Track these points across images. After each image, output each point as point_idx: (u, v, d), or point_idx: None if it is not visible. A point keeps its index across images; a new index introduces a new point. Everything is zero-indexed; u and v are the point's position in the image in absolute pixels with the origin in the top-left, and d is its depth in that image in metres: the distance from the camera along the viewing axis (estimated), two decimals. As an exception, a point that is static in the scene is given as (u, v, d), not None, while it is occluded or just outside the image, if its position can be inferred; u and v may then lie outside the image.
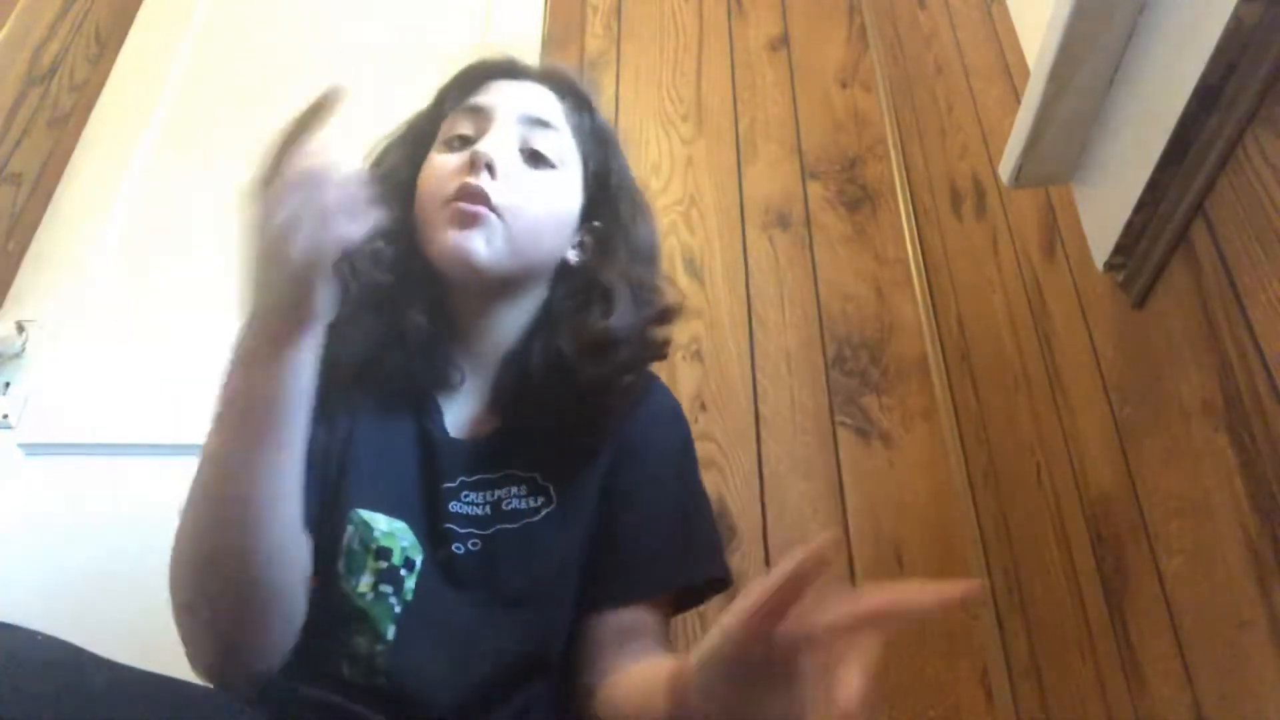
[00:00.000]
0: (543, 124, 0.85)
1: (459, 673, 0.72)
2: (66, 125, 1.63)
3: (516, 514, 0.79)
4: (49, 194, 1.58)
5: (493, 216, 0.78)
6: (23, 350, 1.41)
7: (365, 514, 0.75)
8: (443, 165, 0.82)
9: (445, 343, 0.82)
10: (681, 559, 0.81)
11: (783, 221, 1.47)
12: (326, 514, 0.74)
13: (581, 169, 0.88)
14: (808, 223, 1.46)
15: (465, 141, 0.83)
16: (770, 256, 1.43)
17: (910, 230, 1.43)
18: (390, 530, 0.74)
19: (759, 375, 1.32)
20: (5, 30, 1.54)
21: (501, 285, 0.81)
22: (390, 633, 0.71)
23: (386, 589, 0.73)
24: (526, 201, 0.80)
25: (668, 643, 0.80)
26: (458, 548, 0.76)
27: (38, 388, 1.37)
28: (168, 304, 1.43)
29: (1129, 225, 0.73)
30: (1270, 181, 0.58)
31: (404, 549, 0.74)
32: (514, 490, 0.80)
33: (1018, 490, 1.06)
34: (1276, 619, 0.57)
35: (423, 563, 0.75)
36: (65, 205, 1.58)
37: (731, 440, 1.26)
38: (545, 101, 0.88)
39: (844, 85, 1.61)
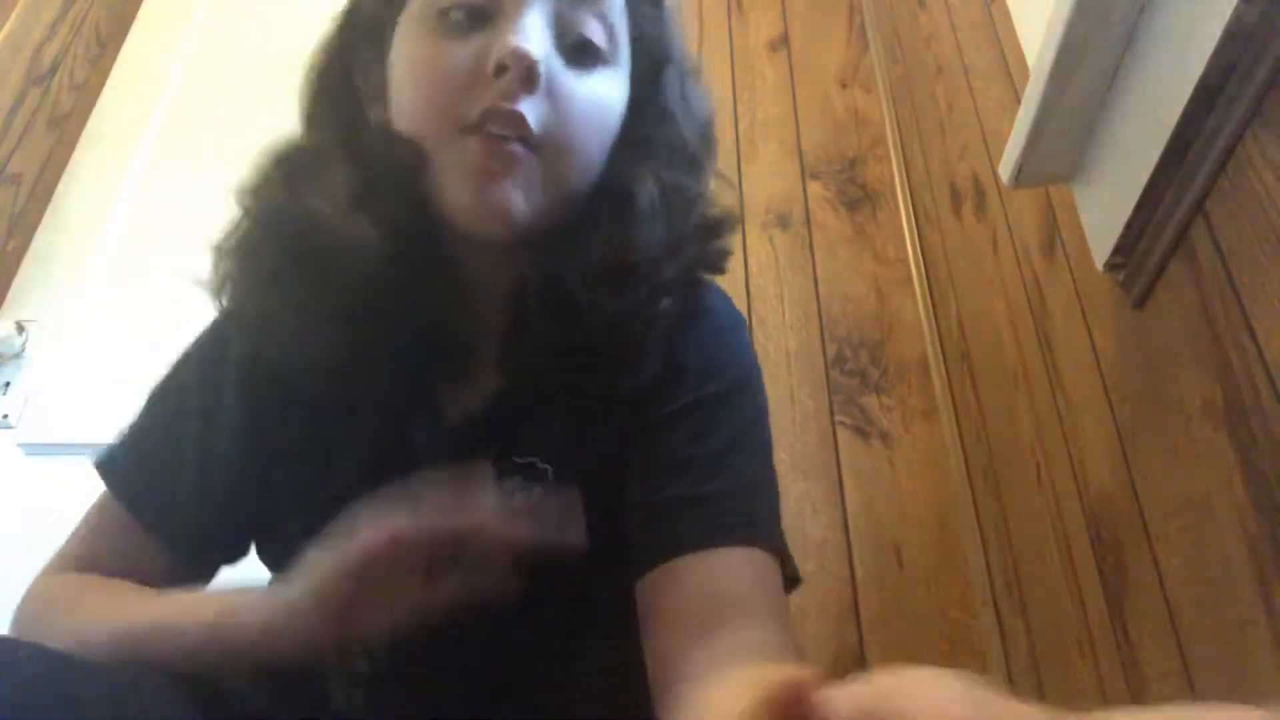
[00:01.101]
0: None
1: (457, 685, 0.64)
2: (66, 125, 1.63)
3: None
4: (49, 194, 1.58)
5: (535, 157, 0.55)
6: (23, 350, 1.41)
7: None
8: (443, 57, 0.55)
9: (439, 313, 0.62)
10: (757, 507, 0.60)
11: (783, 221, 1.47)
12: (285, 561, 0.64)
13: (631, 49, 0.63)
14: (808, 223, 1.46)
15: (477, 18, 0.56)
16: (770, 256, 1.43)
17: (910, 230, 1.43)
18: None
19: (759, 375, 1.32)
20: (5, 30, 1.54)
21: (527, 231, 0.58)
22: (365, 669, 0.63)
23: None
24: (575, 122, 0.57)
25: (784, 633, 0.54)
26: None
27: (38, 388, 1.37)
28: (168, 304, 1.43)
29: (1129, 225, 0.73)
30: (1270, 181, 0.58)
31: None
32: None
33: (1018, 490, 1.06)
34: (1276, 619, 0.57)
35: None
36: (65, 205, 1.58)
37: (731, 440, 1.26)
38: None
39: (844, 85, 1.61)
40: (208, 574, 0.66)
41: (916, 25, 1.48)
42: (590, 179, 0.60)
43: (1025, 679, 1.03)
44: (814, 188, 1.50)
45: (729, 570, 0.55)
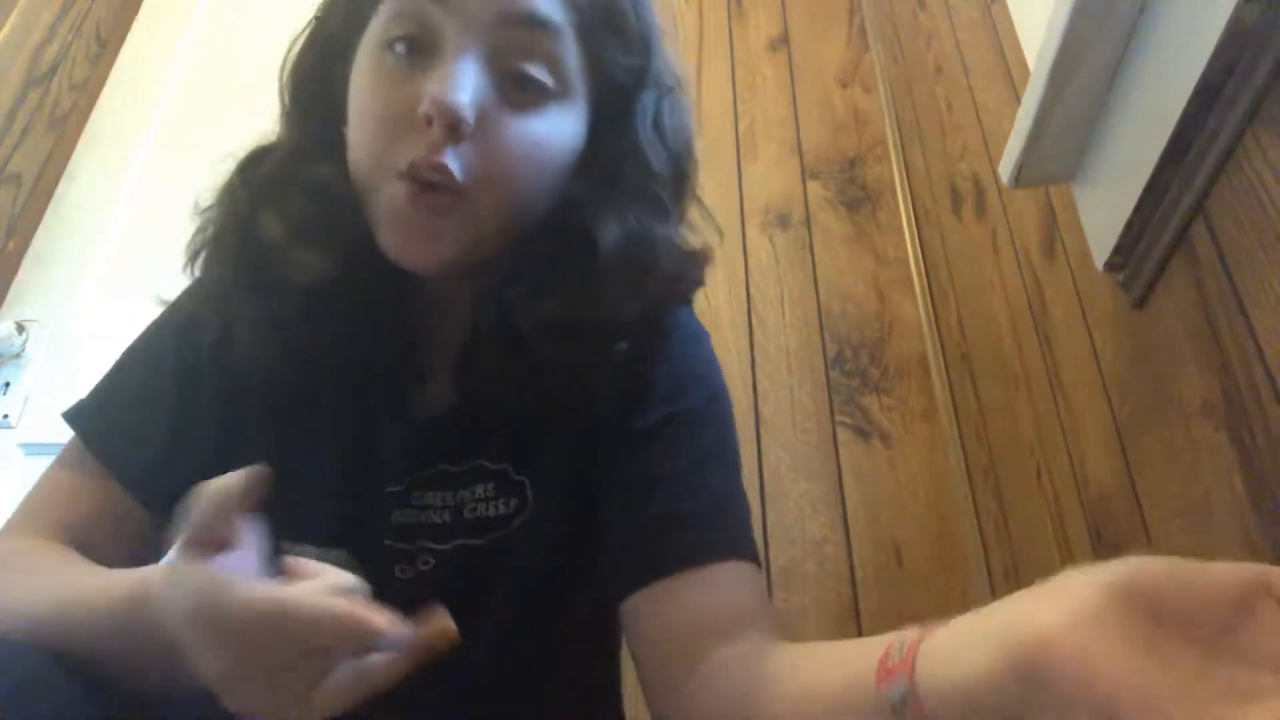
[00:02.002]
0: (534, 23, 0.55)
1: (437, 700, 0.59)
2: (66, 125, 1.63)
3: (483, 524, 0.61)
4: (49, 194, 1.58)
5: (463, 202, 0.54)
6: (23, 350, 1.41)
7: (293, 548, 0.61)
8: (382, 101, 0.55)
9: (387, 315, 0.61)
10: (736, 521, 0.60)
11: (783, 221, 1.47)
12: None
13: (587, 79, 0.59)
14: (808, 223, 1.46)
15: (412, 49, 0.55)
16: (770, 256, 1.43)
17: (910, 230, 1.43)
18: (320, 568, 0.60)
19: (759, 375, 1.32)
20: (5, 30, 1.54)
21: (465, 264, 0.58)
22: None
23: None
24: (508, 165, 0.55)
25: (780, 640, 0.53)
26: (402, 570, 0.60)
27: (38, 388, 1.37)
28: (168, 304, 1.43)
29: (1129, 225, 0.73)
30: (1270, 181, 0.58)
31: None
32: (480, 490, 0.61)
33: (1018, 490, 1.06)
34: (1276, 619, 0.57)
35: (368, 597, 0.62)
36: (65, 205, 1.58)
37: (731, 440, 1.26)
38: None
39: (844, 85, 1.61)
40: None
41: (916, 25, 1.48)
42: (534, 213, 0.59)
43: (1025, 679, 1.03)
44: (814, 188, 1.50)
45: (720, 586, 0.55)
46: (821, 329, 1.36)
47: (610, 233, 0.58)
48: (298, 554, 0.60)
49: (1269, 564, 0.58)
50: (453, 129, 0.52)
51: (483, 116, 0.54)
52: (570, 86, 0.58)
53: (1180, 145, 0.66)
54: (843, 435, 1.27)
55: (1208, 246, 0.65)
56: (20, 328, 1.43)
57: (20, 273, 1.50)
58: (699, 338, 0.67)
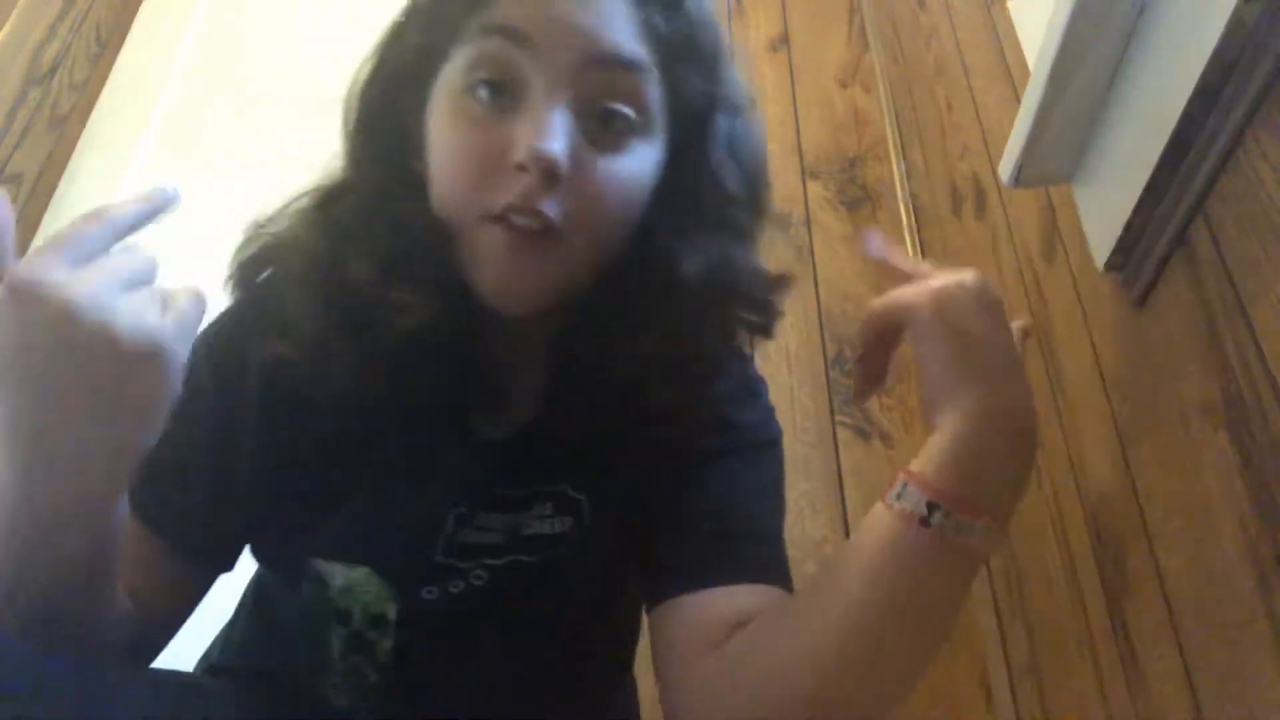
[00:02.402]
0: (622, 64, 0.54)
1: (463, 695, 0.64)
2: (66, 125, 1.63)
3: (536, 542, 0.62)
4: (49, 194, 1.58)
5: (554, 243, 0.54)
6: (23, 350, 1.41)
7: (321, 564, 0.62)
8: (468, 144, 0.55)
9: (476, 357, 0.60)
10: (778, 554, 0.63)
11: (783, 221, 1.47)
12: (284, 555, 0.64)
13: (667, 110, 0.58)
14: (808, 223, 1.46)
15: (496, 93, 0.54)
16: (770, 257, 1.43)
17: (910, 230, 1.43)
18: (346, 585, 0.61)
19: (759, 375, 1.32)
20: (5, 30, 1.54)
21: (557, 302, 0.58)
22: (370, 698, 0.64)
23: (356, 659, 0.63)
24: (600, 206, 0.55)
25: None
26: (455, 586, 0.62)
27: (38, 388, 1.37)
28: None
29: (1129, 225, 0.73)
30: (1270, 181, 0.58)
31: (365, 605, 0.62)
32: (537, 511, 0.62)
33: (1018, 490, 1.06)
34: (1276, 619, 0.57)
35: (401, 613, 0.62)
36: (65, 205, 1.58)
37: (731, 440, 1.26)
38: (619, 18, 0.54)
39: (844, 85, 1.61)
40: (208, 581, 0.64)
41: (916, 25, 1.48)
42: (620, 245, 0.58)
43: (1025, 679, 1.03)
44: (814, 188, 1.50)
45: (749, 602, 0.57)
46: (821, 329, 1.36)
47: (692, 263, 0.58)
48: (325, 570, 0.62)
49: (1268, 564, 0.58)
50: (549, 179, 0.52)
51: (574, 160, 0.53)
52: (653, 121, 0.57)
53: (1180, 145, 0.66)
54: (843, 435, 1.27)
55: (1208, 246, 0.65)
56: (20, 328, 1.43)
57: (20, 273, 1.51)
58: (764, 386, 0.71)
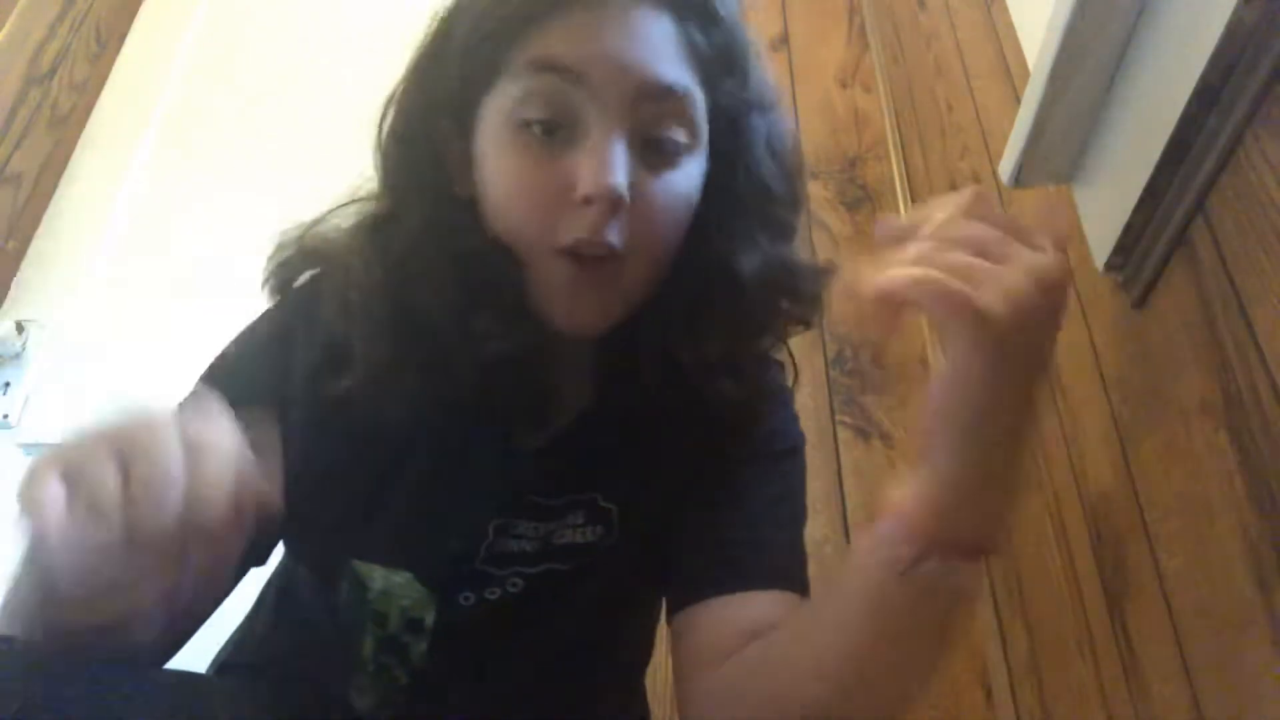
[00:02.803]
0: (672, 93, 0.56)
1: (492, 695, 0.65)
2: (66, 125, 1.63)
3: (570, 551, 0.64)
4: (49, 194, 1.58)
5: (618, 266, 0.56)
6: (23, 350, 1.41)
7: (361, 566, 0.63)
8: (529, 180, 0.56)
9: (531, 371, 0.61)
10: (799, 559, 0.64)
11: (783, 221, 1.47)
12: (325, 556, 0.65)
13: (709, 123, 0.60)
14: (808, 223, 1.46)
15: (551, 129, 0.55)
16: (770, 256, 1.44)
17: (910, 230, 1.43)
18: (386, 588, 0.63)
19: (759, 375, 1.32)
20: (5, 30, 1.54)
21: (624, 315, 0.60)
22: (394, 700, 0.65)
23: (388, 660, 0.64)
24: (658, 226, 0.57)
25: None
26: (492, 593, 0.63)
27: (38, 388, 1.37)
28: (168, 304, 1.43)
29: (1129, 225, 0.73)
30: (1270, 181, 0.58)
31: (404, 609, 0.63)
32: (570, 519, 0.64)
33: (1018, 490, 1.06)
34: (1276, 619, 0.57)
35: (437, 620, 0.63)
36: (65, 205, 1.58)
37: (731, 440, 1.26)
38: (665, 45, 0.56)
39: (844, 85, 1.61)
40: (239, 576, 0.64)
41: (916, 25, 1.48)
42: (670, 259, 0.60)
43: (1025, 679, 1.03)
44: (814, 188, 1.50)
45: (764, 610, 0.58)
46: (822, 329, 1.36)
47: (749, 261, 0.60)
48: (365, 572, 0.63)
49: (1269, 564, 0.58)
50: (613, 210, 0.54)
51: (633, 189, 0.55)
52: (701, 138, 0.59)
53: (1180, 145, 0.66)
54: (843, 435, 1.27)
55: (1208, 246, 0.65)
56: (20, 328, 1.43)
57: (20, 273, 1.51)
58: (791, 395, 0.73)
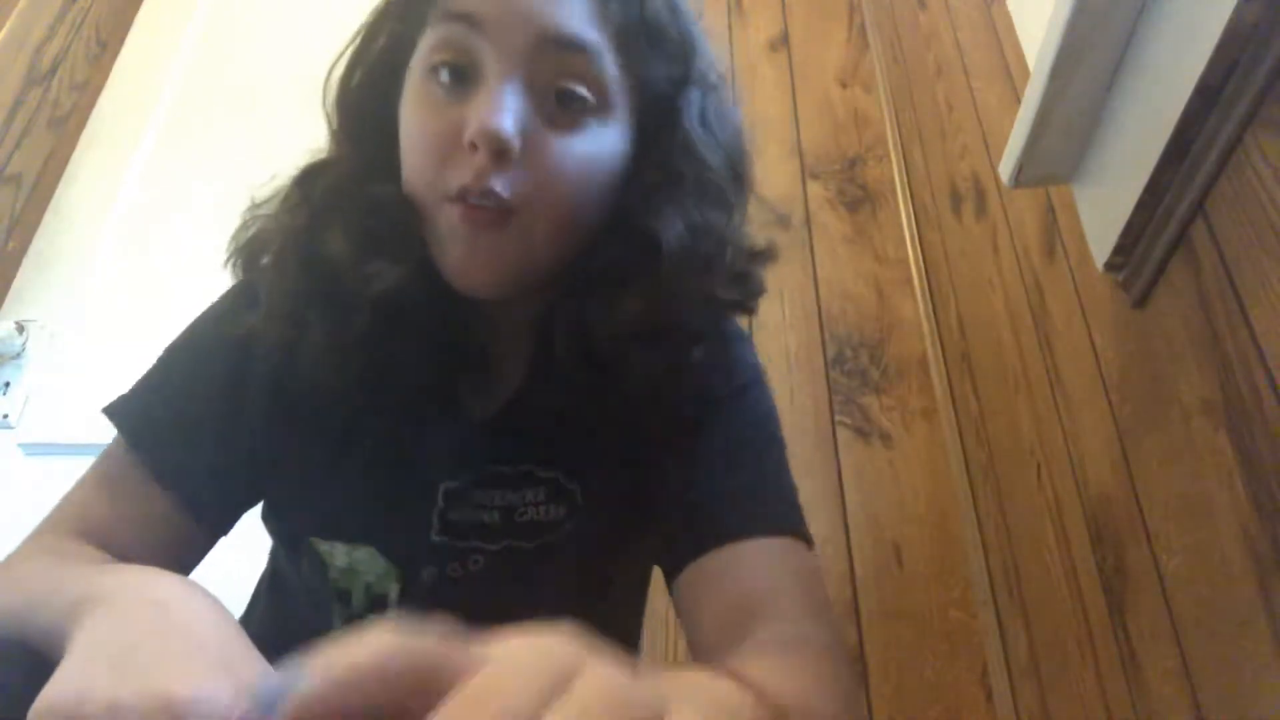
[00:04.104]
0: (573, 46, 0.56)
1: None
2: (66, 125, 1.63)
3: (533, 528, 0.63)
4: (49, 194, 1.58)
5: (512, 219, 0.55)
6: (23, 350, 1.41)
7: (322, 545, 0.62)
8: (426, 126, 0.57)
9: (451, 331, 0.61)
10: (783, 499, 0.62)
11: (783, 221, 1.47)
12: (290, 536, 0.65)
13: (628, 89, 0.59)
14: (808, 223, 1.46)
15: (455, 76, 0.56)
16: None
17: (910, 230, 1.43)
18: (349, 565, 0.62)
19: (759, 375, 1.32)
20: (5, 30, 1.54)
21: (525, 282, 0.59)
22: None
23: None
24: (555, 183, 0.56)
25: (819, 625, 0.55)
26: (453, 568, 0.62)
27: (38, 388, 1.37)
28: (168, 303, 1.43)
29: (1129, 225, 0.73)
30: (1270, 181, 0.58)
31: (368, 585, 0.63)
32: (530, 495, 0.63)
33: (1018, 490, 1.06)
34: (1276, 619, 0.57)
35: (400, 595, 0.63)
36: (65, 205, 1.58)
37: (731, 440, 1.26)
38: (574, 2, 0.56)
39: (844, 85, 1.61)
40: (204, 545, 0.65)
41: (916, 25, 1.48)
42: (587, 226, 0.59)
43: (1025, 679, 1.03)
44: (814, 188, 1.50)
45: (765, 561, 0.57)
46: (821, 329, 1.36)
47: (672, 227, 0.58)
48: (328, 551, 0.63)
49: (1269, 564, 0.58)
50: (499, 154, 0.53)
51: (527, 139, 0.54)
52: (610, 101, 0.57)
53: (1180, 145, 0.66)
54: (843, 435, 1.27)
55: (1208, 246, 0.65)
56: (20, 328, 1.43)
57: (20, 273, 1.50)
58: (742, 335, 0.70)
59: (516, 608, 0.60)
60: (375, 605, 0.63)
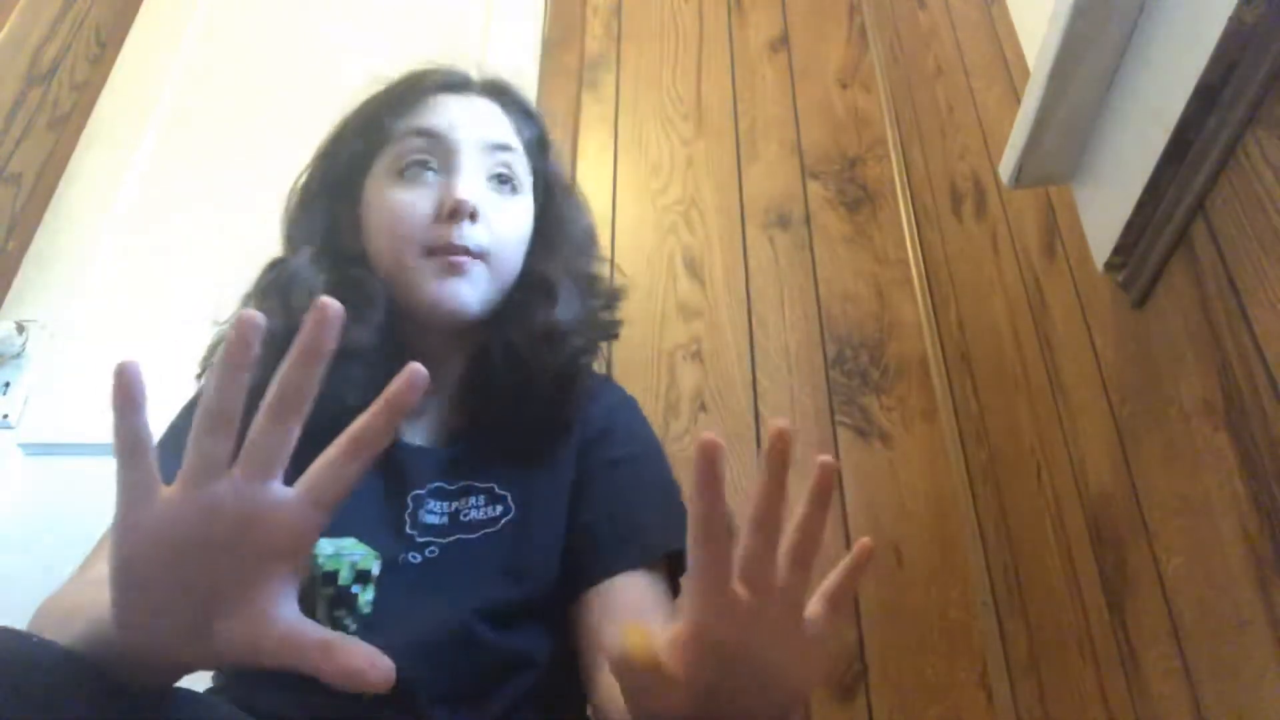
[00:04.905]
0: (504, 148, 0.87)
1: (432, 674, 0.69)
2: (66, 125, 1.63)
3: (475, 524, 0.78)
4: (49, 194, 1.58)
5: (479, 264, 0.81)
6: (23, 350, 1.41)
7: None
8: (409, 204, 0.82)
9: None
10: (674, 524, 0.76)
11: (783, 221, 1.47)
12: None
13: (532, 181, 0.90)
14: (808, 223, 1.46)
15: (426, 167, 0.83)
16: (770, 256, 1.43)
17: (910, 230, 1.43)
18: (334, 552, 0.72)
19: (759, 375, 1.32)
20: (5, 30, 1.54)
21: (477, 316, 0.83)
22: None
23: (339, 613, 0.71)
24: (504, 235, 0.84)
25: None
26: (414, 556, 0.75)
27: (38, 388, 1.37)
28: (168, 303, 1.43)
29: (1129, 225, 0.73)
30: (1270, 181, 0.58)
31: (353, 564, 0.72)
32: (472, 501, 0.79)
33: (1018, 490, 1.06)
34: (1276, 619, 0.57)
35: (382, 571, 0.73)
36: (65, 205, 1.58)
37: (731, 440, 1.26)
38: (499, 122, 0.89)
39: (844, 85, 1.61)
40: None
41: (916, 25, 1.48)
42: (516, 272, 0.86)
43: (1025, 679, 1.03)
44: (814, 188, 1.50)
45: (626, 592, 0.74)
46: (821, 329, 1.36)
47: (562, 276, 0.87)
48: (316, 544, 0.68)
49: (1269, 564, 0.58)
50: (470, 216, 0.81)
51: (482, 207, 0.83)
52: (523, 182, 0.89)
53: (1180, 145, 0.66)
54: (843, 435, 1.27)
55: (1208, 246, 0.65)
56: (20, 328, 1.43)
57: (20, 273, 1.50)
58: (636, 403, 0.94)
59: (477, 586, 0.75)
60: (360, 578, 0.73)
